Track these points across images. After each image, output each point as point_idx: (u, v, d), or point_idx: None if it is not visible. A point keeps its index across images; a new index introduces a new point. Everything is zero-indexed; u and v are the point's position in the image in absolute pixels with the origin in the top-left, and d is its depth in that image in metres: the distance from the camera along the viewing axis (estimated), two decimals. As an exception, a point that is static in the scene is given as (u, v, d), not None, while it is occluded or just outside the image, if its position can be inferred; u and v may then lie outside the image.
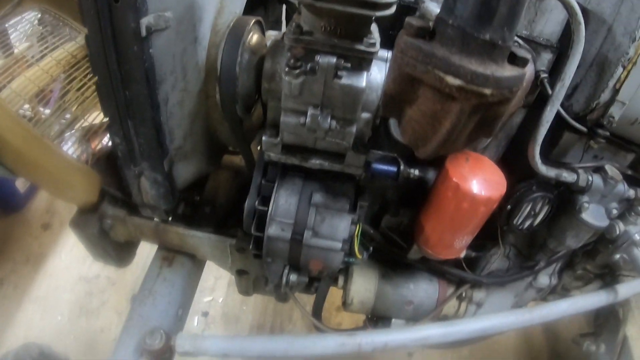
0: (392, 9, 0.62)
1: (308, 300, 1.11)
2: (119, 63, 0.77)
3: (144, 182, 0.99)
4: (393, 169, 0.87)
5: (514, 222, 0.94)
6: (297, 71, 0.66)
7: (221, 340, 0.88)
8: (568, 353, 1.40)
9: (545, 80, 0.85)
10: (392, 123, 0.91)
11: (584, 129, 0.86)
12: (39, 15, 1.49)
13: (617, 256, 1.00)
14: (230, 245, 1.07)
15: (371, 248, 0.90)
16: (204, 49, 0.87)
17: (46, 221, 1.96)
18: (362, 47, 0.66)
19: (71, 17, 1.47)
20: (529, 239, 1.07)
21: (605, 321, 1.21)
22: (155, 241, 1.18)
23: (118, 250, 1.22)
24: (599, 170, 0.93)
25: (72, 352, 1.06)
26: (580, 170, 0.91)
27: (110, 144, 1.17)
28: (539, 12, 0.84)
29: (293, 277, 0.84)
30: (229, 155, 1.34)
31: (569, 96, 0.90)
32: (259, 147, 1.07)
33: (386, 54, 0.76)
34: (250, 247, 0.83)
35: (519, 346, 1.71)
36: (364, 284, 1.07)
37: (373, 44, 0.66)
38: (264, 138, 0.76)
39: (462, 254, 1.00)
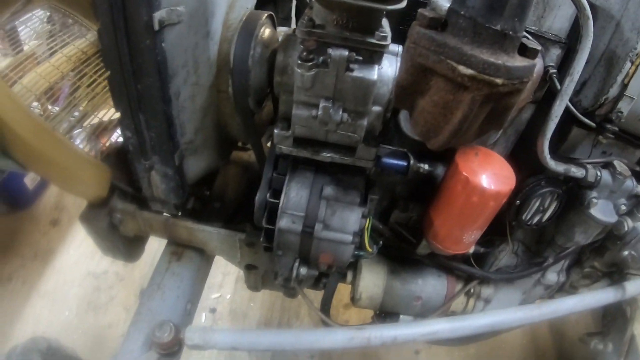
0: (404, 3, 0.63)
1: (316, 297, 1.12)
2: (131, 57, 0.78)
3: (155, 176, 1.00)
4: (403, 163, 0.88)
5: (523, 217, 0.94)
6: (310, 64, 0.67)
7: (230, 334, 0.89)
8: (575, 352, 1.40)
9: (554, 75, 0.85)
10: (402, 118, 0.92)
11: (592, 124, 0.87)
12: (48, 14, 1.51)
13: (626, 253, 1.00)
14: (240, 239, 1.08)
15: (381, 242, 0.90)
16: (215, 44, 0.88)
17: (55, 217, 1.97)
18: (373, 41, 0.67)
19: (81, 14, 1.49)
20: (537, 235, 1.07)
21: (613, 320, 1.20)
22: (165, 236, 1.19)
23: (127, 245, 1.23)
24: (608, 165, 0.93)
25: (79, 347, 1.07)
26: (588, 166, 0.91)
27: (119, 139, 1.19)
28: (547, 7, 0.85)
29: (303, 271, 0.85)
30: (238, 151, 1.35)
31: (577, 92, 0.90)
32: (269, 143, 1.08)
33: (397, 48, 0.77)
34: (261, 239, 0.84)
35: (525, 345, 1.70)
36: (372, 280, 1.08)
37: (384, 37, 0.66)
38: (275, 131, 0.77)
39: (471, 250, 1.00)
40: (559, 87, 0.82)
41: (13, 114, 0.90)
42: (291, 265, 0.84)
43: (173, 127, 0.91)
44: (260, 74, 0.81)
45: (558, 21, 0.86)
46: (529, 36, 0.82)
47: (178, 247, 1.21)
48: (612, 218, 0.94)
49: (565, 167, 0.89)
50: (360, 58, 0.67)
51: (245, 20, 0.82)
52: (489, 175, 0.82)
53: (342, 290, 1.29)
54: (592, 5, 0.89)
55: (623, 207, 0.95)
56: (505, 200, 0.85)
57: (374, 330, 0.88)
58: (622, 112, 0.85)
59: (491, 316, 0.94)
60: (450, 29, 0.51)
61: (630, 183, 0.93)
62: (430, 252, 1.03)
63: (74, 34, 1.48)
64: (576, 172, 0.90)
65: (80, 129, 1.40)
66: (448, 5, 0.61)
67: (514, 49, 0.51)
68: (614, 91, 0.84)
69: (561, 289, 1.15)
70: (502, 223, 1.02)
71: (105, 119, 1.43)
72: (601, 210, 0.94)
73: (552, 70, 0.86)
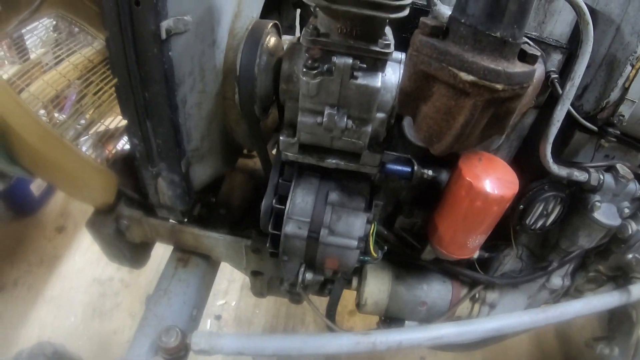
0: (406, 12, 0.64)
1: (321, 303, 1.12)
2: (138, 65, 0.80)
3: (161, 182, 1.02)
4: (407, 169, 0.89)
5: (527, 222, 0.95)
6: (315, 72, 0.68)
7: (236, 339, 0.89)
8: (581, 358, 1.39)
9: (556, 80, 0.86)
10: (406, 125, 0.93)
11: (594, 128, 0.88)
12: (54, 23, 1.54)
13: (630, 256, 1.01)
14: (246, 246, 1.09)
15: (386, 248, 0.91)
16: (221, 52, 0.90)
17: (60, 224, 1.99)
18: (377, 48, 0.68)
19: (87, 23, 1.51)
20: (541, 239, 1.08)
21: (619, 324, 1.20)
22: (171, 242, 1.20)
23: (133, 252, 1.24)
24: (611, 169, 0.94)
25: (85, 353, 1.07)
26: (591, 170, 0.92)
27: (126, 147, 1.21)
28: (548, 13, 0.86)
29: (309, 276, 0.86)
30: (244, 158, 1.37)
31: (579, 96, 0.91)
32: (274, 150, 1.09)
33: (400, 56, 0.78)
34: (267, 245, 0.85)
35: (531, 351, 1.69)
36: (377, 285, 1.08)
37: (388, 45, 0.68)
38: (281, 138, 0.79)
39: (475, 255, 1.01)
40: (560, 91, 0.83)
41: (21, 121, 0.91)
42: (297, 271, 0.85)
43: (180, 134, 0.93)
44: (266, 81, 0.82)
45: (559, 27, 0.87)
46: (530, 42, 0.83)
47: (184, 254, 1.22)
48: (615, 221, 0.95)
49: (568, 171, 0.89)
50: (364, 66, 0.68)
51: (251, 29, 0.83)
52: (493, 180, 0.83)
53: (348, 297, 1.29)
54: (592, 10, 0.90)
55: (626, 210, 0.95)
56: (508, 205, 0.86)
57: (380, 335, 0.88)
58: (623, 116, 0.86)
59: (497, 320, 0.95)
60: (451, 36, 0.52)
61: (633, 186, 0.94)
62: (435, 258, 1.03)
63: (80, 42, 1.51)
64: (579, 176, 0.90)
65: (86, 137, 1.42)
66: (449, 13, 0.62)
67: (514, 55, 0.52)
68: (615, 95, 0.85)
69: (566, 294, 1.15)
70: (507, 228, 1.02)
71: (111, 126, 1.45)
72: (604, 213, 0.94)
73: (554, 75, 0.87)
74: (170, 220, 1.14)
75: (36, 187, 1.98)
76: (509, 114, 0.60)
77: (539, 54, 0.54)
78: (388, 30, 0.72)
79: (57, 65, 1.40)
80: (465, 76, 0.48)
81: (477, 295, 1.09)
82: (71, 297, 1.75)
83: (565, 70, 0.88)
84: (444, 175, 0.93)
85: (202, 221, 1.18)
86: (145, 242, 1.23)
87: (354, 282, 1.11)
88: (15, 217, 1.94)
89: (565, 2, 0.76)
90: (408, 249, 1.04)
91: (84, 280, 1.80)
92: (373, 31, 0.68)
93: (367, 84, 0.69)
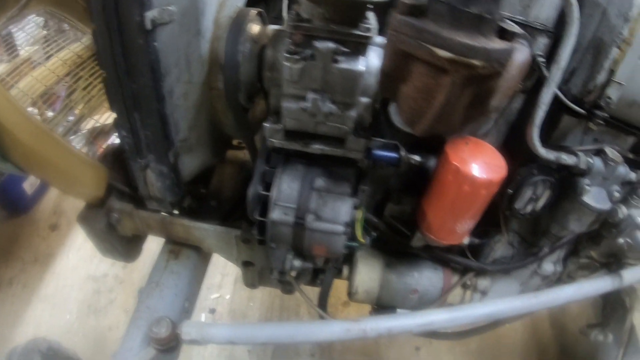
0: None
1: (314, 295, 1.14)
2: (125, 57, 0.81)
3: (150, 174, 1.03)
4: (394, 155, 0.90)
5: (516, 206, 0.96)
6: (297, 57, 0.69)
7: (227, 328, 0.91)
8: (576, 346, 1.40)
9: (543, 64, 0.87)
10: (393, 111, 0.94)
11: (582, 111, 0.88)
12: (44, 20, 1.55)
13: (621, 240, 1.01)
14: (236, 236, 1.10)
15: (374, 233, 0.92)
16: (207, 42, 0.90)
17: (54, 222, 2.01)
18: (358, 32, 0.69)
19: (76, 19, 1.52)
20: (532, 225, 1.09)
21: (613, 311, 1.21)
22: (162, 234, 1.21)
23: (125, 245, 1.26)
24: (600, 152, 0.95)
25: (80, 350, 1.08)
26: (580, 153, 0.92)
27: (116, 141, 1.22)
28: (533, -3, 0.86)
29: (297, 263, 0.87)
30: (234, 150, 1.38)
31: (566, 80, 0.92)
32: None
33: (383, 40, 0.79)
34: (254, 232, 0.86)
35: (527, 340, 1.71)
36: (368, 274, 1.09)
37: (369, 29, 0.69)
38: (266, 125, 0.80)
39: (466, 241, 1.02)
40: (546, 75, 0.84)
41: (11, 117, 0.92)
42: (285, 258, 0.86)
43: (167, 125, 0.94)
44: (250, 69, 0.83)
45: (545, 10, 0.88)
46: (516, 26, 0.84)
47: (175, 246, 1.23)
48: (605, 205, 0.96)
49: (556, 154, 0.90)
50: (347, 50, 0.70)
51: (235, 18, 0.84)
52: (480, 164, 0.84)
53: (341, 288, 1.30)
54: (576, -7, 0.91)
55: (616, 194, 0.96)
56: (497, 190, 0.87)
57: (370, 322, 0.89)
58: (611, 98, 0.87)
59: (487, 306, 0.96)
60: (429, 15, 0.53)
61: (622, 169, 0.95)
62: (425, 245, 1.04)
63: (69, 38, 1.52)
64: (568, 159, 0.91)
65: (77, 133, 1.44)
66: None
67: (493, 32, 0.53)
68: (601, 77, 0.86)
69: (559, 280, 1.16)
70: (497, 214, 1.03)
71: (103, 123, 1.46)
72: (594, 197, 0.95)
73: (541, 59, 0.88)
74: (161, 213, 1.15)
75: (29, 185, 1.99)
76: (490, 93, 0.61)
77: (518, 31, 0.54)
78: (371, 14, 0.73)
79: (46, 61, 1.41)
80: (442, 53, 0.49)
81: (468, 282, 1.11)
82: (66, 294, 1.76)
83: (552, 54, 0.89)
84: (432, 162, 0.94)
85: (192, 213, 1.19)
86: (137, 235, 1.25)
87: (345, 271, 1.12)
88: (8, 216, 1.96)
89: (549, -16, 0.77)
90: (398, 236, 1.05)
91: (78, 277, 1.81)
92: (354, 16, 0.69)
93: (349, 68, 0.70)
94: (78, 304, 1.74)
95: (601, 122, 0.89)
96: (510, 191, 0.95)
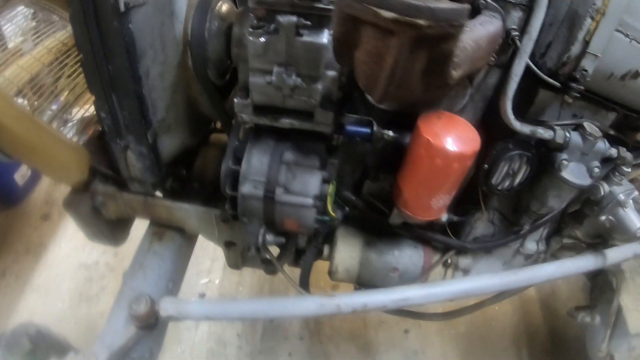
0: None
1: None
2: (101, 40, 0.86)
3: (130, 155, 1.08)
4: (367, 130, 0.93)
5: (492, 182, 0.99)
6: (260, 31, 0.73)
7: (203, 304, 0.95)
8: (566, 330, 1.43)
9: (517, 37, 0.90)
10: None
11: (556, 83, 0.91)
12: (33, 11, 1.61)
13: (603, 218, 1.04)
14: (216, 215, 1.15)
15: (347, 209, 0.96)
16: (180, 23, 0.95)
17: (45, 212, 2.08)
18: (321, 5, 0.73)
19: (62, 8, 1.58)
20: (513, 202, 1.11)
21: (601, 293, 1.23)
22: (146, 216, 1.26)
23: (111, 229, 1.31)
24: (578, 127, 0.97)
25: (73, 337, 1.13)
26: (557, 127, 0.95)
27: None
28: (506, -30, 0.89)
29: (269, 237, 0.91)
30: (218, 134, 1.42)
31: (543, 54, 0.94)
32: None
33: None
34: (227, 207, 0.90)
35: (516, 323, 1.73)
36: (348, 252, 1.13)
37: (332, 2, 0.72)
38: (235, 100, 0.84)
39: (444, 218, 1.05)
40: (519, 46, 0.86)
41: None
42: (257, 232, 0.90)
43: (144, 105, 0.98)
44: (217, 46, 0.87)
45: (517, -17, 0.90)
46: (489, 0, 0.87)
47: (159, 228, 1.28)
48: (585, 180, 0.98)
49: (531, 128, 0.93)
50: (309, 23, 0.73)
51: (199, -1, 0.89)
52: (452, 137, 0.87)
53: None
54: (553, -34, 0.93)
55: (596, 170, 0.98)
56: (470, 163, 0.90)
57: (344, 297, 0.93)
58: (586, 71, 0.89)
59: (464, 282, 0.99)
60: None
61: (602, 145, 0.97)
62: (404, 222, 1.08)
63: (58, 29, 1.57)
64: (544, 133, 0.93)
65: (68, 123, 1.49)
66: None
67: None
68: (575, 49, 0.88)
69: (543, 260, 1.19)
70: (476, 190, 1.06)
71: (92, 112, 1.51)
72: (573, 172, 0.97)
73: (515, 33, 0.90)
74: (143, 195, 1.20)
75: (20, 176, 2.06)
76: (446, 57, 0.63)
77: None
78: (336, -12, 0.76)
79: (31, 50, 1.47)
80: (385, 13, 0.52)
81: (449, 261, 1.14)
82: (58, 283, 1.84)
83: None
84: (407, 138, 0.97)
85: (175, 195, 1.24)
86: (123, 218, 1.30)
87: (326, 250, 1.16)
88: (0, 207, 2.04)
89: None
90: (377, 214, 1.09)
91: (70, 266, 1.88)
92: (316, -13, 0.72)
93: (312, 41, 0.74)
94: (70, 292, 1.81)
95: (577, 94, 0.91)
96: (486, 166, 0.97)
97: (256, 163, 0.84)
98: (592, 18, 0.86)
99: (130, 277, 1.19)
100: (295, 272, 1.18)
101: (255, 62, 0.77)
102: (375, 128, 0.93)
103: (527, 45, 0.85)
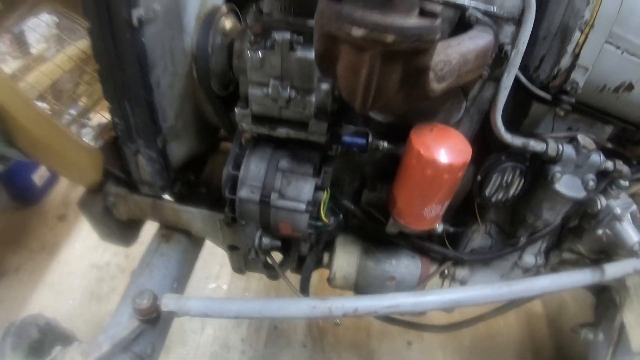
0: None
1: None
2: (116, 51, 0.98)
3: (141, 159, 1.20)
4: (362, 141, 1.02)
5: (486, 193, 1.05)
6: (257, 46, 0.84)
7: (201, 301, 1.05)
8: (572, 347, 1.44)
9: (509, 51, 0.97)
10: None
11: (547, 96, 0.97)
12: (57, 20, 1.79)
13: (600, 232, 1.08)
14: (220, 219, 1.25)
15: (341, 215, 1.04)
16: (189, 36, 1.07)
17: (61, 213, 2.25)
18: (313, 23, 0.82)
19: (82, 17, 1.75)
20: (510, 215, 1.17)
21: (605, 309, 1.27)
22: (155, 218, 1.39)
23: (122, 229, 1.44)
24: (572, 140, 1.03)
25: (81, 333, 1.25)
26: (550, 140, 1.01)
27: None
28: (498, -15, 0.96)
29: (266, 240, 1.01)
30: (228, 142, 1.54)
31: (537, 67, 1.01)
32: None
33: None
34: (226, 209, 1.01)
35: (521, 338, 1.76)
36: (346, 259, 1.22)
37: (317, 21, 0.82)
38: (236, 110, 0.95)
39: (439, 228, 1.12)
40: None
41: (18, 107, 1.11)
42: (254, 235, 1.00)
43: (155, 113, 1.10)
44: (220, 59, 0.99)
45: (509, -1, 0.97)
46: (479, 15, 0.94)
47: (167, 230, 1.41)
48: (579, 193, 1.03)
49: (523, 140, 0.99)
50: (302, 40, 0.83)
51: (208, 14, 1.00)
52: (442, 148, 0.94)
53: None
54: (548, -18, 1.00)
55: (591, 183, 1.03)
56: (461, 174, 0.97)
57: (336, 301, 1.01)
58: (577, 83, 0.94)
59: (456, 292, 1.05)
60: None
61: (596, 157, 1.01)
62: (400, 232, 1.15)
63: (79, 37, 1.74)
64: (536, 145, 0.99)
65: (86, 127, 1.65)
66: None
67: (410, 11, 0.62)
68: (565, 62, 0.93)
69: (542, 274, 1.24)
70: (473, 202, 1.13)
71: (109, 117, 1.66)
72: (567, 185, 1.03)
73: (507, 47, 0.98)
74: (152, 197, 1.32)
75: (38, 177, 2.25)
76: (421, 70, 0.71)
77: (437, 9, 0.64)
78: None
79: (53, 57, 1.64)
80: (356, 31, 0.60)
81: (446, 272, 1.20)
82: (70, 281, 1.99)
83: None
84: (401, 148, 1.05)
85: (183, 199, 1.35)
86: (132, 219, 1.43)
87: (326, 258, 1.25)
88: (18, 206, 2.22)
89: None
90: (374, 223, 1.17)
91: (83, 265, 2.04)
92: (309, 8, 0.82)
93: (305, 56, 0.84)
94: (81, 290, 1.95)
95: (568, 107, 0.97)
96: (479, 177, 1.04)
97: (254, 169, 0.95)
98: (581, 31, 0.91)
99: (137, 275, 1.31)
100: (299, 279, 1.26)
101: (254, 75, 0.88)
102: (370, 139, 1.01)
103: (515, 59, 0.91)
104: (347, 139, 1.02)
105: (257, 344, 1.75)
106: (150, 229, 1.47)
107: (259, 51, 0.84)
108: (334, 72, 0.71)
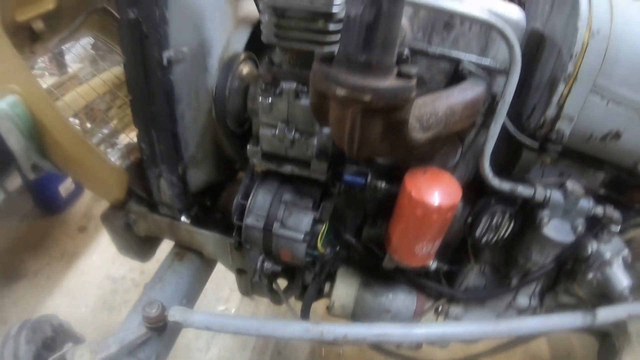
0: (335, 47, 0.97)
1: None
2: (147, 85, 1.20)
3: (162, 182, 1.42)
4: (361, 180, 1.20)
5: (476, 234, 1.20)
6: (267, 92, 1.04)
7: (205, 316, 1.24)
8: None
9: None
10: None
11: (534, 144, 1.11)
12: (93, 42, 2.07)
13: (590, 276, 1.20)
14: (230, 243, 1.44)
15: (338, 247, 1.21)
16: (212, 77, 1.29)
17: (83, 224, 2.52)
18: (315, 77, 1.02)
19: (119, 45, 2.02)
20: (504, 256, 1.31)
21: (607, 355, 1.36)
22: (171, 237, 1.60)
23: (140, 245, 1.66)
24: (561, 186, 1.16)
25: (90, 339, 1.39)
26: (538, 185, 1.14)
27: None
28: (489, 41, 1.13)
29: (268, 265, 1.19)
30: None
31: (528, 116, 1.16)
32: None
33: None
34: (234, 234, 1.20)
35: None
36: (345, 289, 1.38)
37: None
38: (248, 147, 1.15)
39: (432, 265, 1.27)
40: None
41: (54, 123, 1.29)
42: (257, 259, 1.19)
43: (178, 142, 1.32)
44: (237, 101, 1.20)
45: (502, 52, 1.13)
46: (472, 67, 1.10)
47: (182, 249, 1.61)
48: (567, 237, 1.15)
49: (511, 185, 1.13)
50: (307, 89, 1.03)
51: (227, 60, 1.22)
52: (432, 191, 1.10)
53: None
54: (540, 35, 1.16)
55: (580, 228, 1.15)
56: (450, 215, 1.12)
57: (328, 326, 1.17)
58: (563, 132, 1.06)
59: (443, 326, 1.19)
60: (335, 62, 0.81)
61: (585, 203, 1.13)
62: (397, 267, 1.31)
63: (113, 61, 2.02)
64: (523, 191, 1.14)
65: (115, 147, 1.89)
66: None
67: (388, 73, 0.77)
68: (551, 112, 1.05)
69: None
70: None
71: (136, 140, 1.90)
72: (555, 229, 1.15)
73: (499, 97, 1.13)
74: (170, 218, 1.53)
75: (64, 188, 2.54)
76: (400, 123, 0.87)
77: (413, 72, 0.81)
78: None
79: (89, 80, 1.91)
80: (339, 91, 0.78)
81: (440, 308, 1.34)
82: (85, 290, 2.23)
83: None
84: (398, 188, 1.22)
85: (198, 222, 1.56)
86: (150, 237, 1.64)
87: (326, 288, 1.41)
88: (42, 214, 2.50)
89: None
90: (373, 258, 1.33)
91: (99, 276, 2.28)
92: (312, 62, 1.02)
93: (308, 104, 1.03)
94: (95, 299, 2.19)
95: (555, 155, 1.10)
96: (469, 219, 1.19)
97: (260, 200, 1.14)
98: (565, 83, 1.02)
99: (149, 288, 1.52)
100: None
101: (264, 118, 1.08)
102: (369, 179, 1.19)
103: (502, 109, 1.04)
104: (348, 177, 1.20)
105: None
106: (166, 247, 1.68)
107: (269, 97, 1.04)
108: (326, 122, 0.90)
